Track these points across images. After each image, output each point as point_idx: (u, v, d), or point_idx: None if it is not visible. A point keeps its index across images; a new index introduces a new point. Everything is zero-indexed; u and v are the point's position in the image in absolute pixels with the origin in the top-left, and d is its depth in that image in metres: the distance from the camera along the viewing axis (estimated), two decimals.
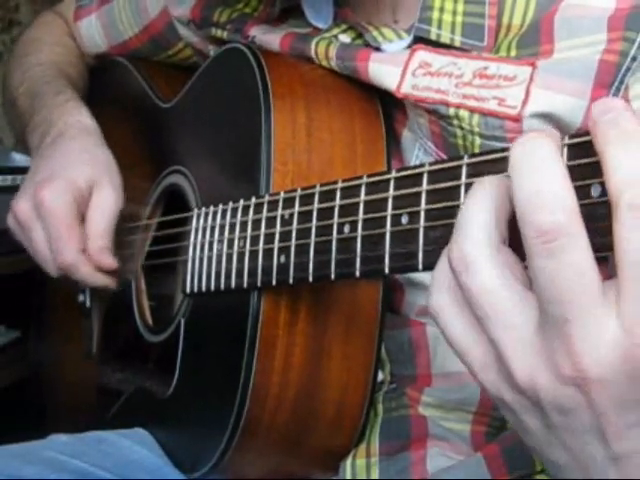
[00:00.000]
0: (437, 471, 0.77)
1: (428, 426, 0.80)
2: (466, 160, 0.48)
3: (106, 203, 0.86)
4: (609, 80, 0.66)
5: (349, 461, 0.80)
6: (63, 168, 0.86)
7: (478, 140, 0.70)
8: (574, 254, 0.37)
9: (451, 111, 0.71)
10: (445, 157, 0.76)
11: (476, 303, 0.40)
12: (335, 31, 0.83)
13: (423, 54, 0.74)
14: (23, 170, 1.22)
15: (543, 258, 0.37)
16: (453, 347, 0.43)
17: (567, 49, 0.68)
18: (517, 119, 0.68)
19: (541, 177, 0.38)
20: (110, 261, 0.85)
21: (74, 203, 0.84)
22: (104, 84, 1.13)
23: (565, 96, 0.67)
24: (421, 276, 0.78)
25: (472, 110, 0.70)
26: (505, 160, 0.46)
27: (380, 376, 0.82)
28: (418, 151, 0.79)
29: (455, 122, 0.71)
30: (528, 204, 0.38)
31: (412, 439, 0.79)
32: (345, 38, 0.82)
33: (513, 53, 0.71)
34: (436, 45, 0.74)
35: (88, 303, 0.97)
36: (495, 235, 0.41)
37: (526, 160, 0.39)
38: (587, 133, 0.40)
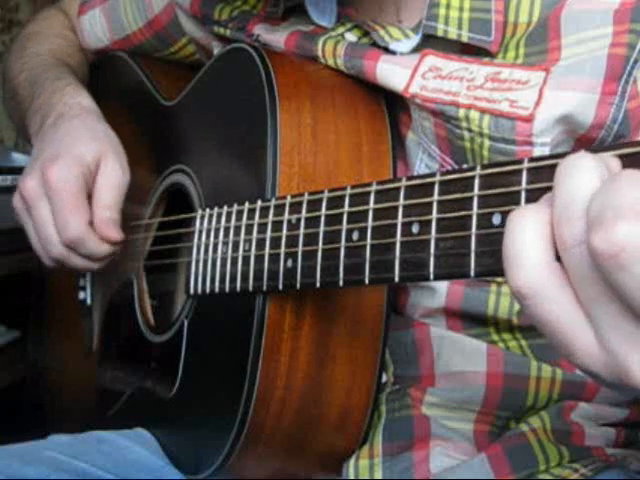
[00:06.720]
0: (440, 471, 0.77)
1: (431, 426, 0.79)
2: (479, 171, 0.48)
3: (113, 176, 0.86)
4: (618, 73, 0.67)
5: (352, 462, 0.79)
6: (69, 146, 0.86)
7: (487, 142, 0.70)
8: None
9: (461, 112, 0.71)
10: (450, 161, 0.75)
11: None
12: (341, 30, 0.82)
13: (433, 59, 0.74)
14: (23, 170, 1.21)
15: None
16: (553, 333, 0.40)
17: (574, 44, 0.68)
18: (529, 119, 0.68)
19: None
20: (115, 233, 0.84)
21: (81, 179, 0.83)
22: (105, 81, 1.12)
23: (577, 93, 0.67)
24: None
25: (483, 111, 0.70)
26: (518, 173, 0.45)
27: (383, 377, 0.82)
28: (422, 154, 0.78)
29: (464, 124, 0.71)
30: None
31: (415, 439, 0.79)
32: (351, 37, 0.81)
33: (522, 51, 0.71)
34: (445, 47, 0.74)
35: (89, 301, 0.96)
36: None
37: None
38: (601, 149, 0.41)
